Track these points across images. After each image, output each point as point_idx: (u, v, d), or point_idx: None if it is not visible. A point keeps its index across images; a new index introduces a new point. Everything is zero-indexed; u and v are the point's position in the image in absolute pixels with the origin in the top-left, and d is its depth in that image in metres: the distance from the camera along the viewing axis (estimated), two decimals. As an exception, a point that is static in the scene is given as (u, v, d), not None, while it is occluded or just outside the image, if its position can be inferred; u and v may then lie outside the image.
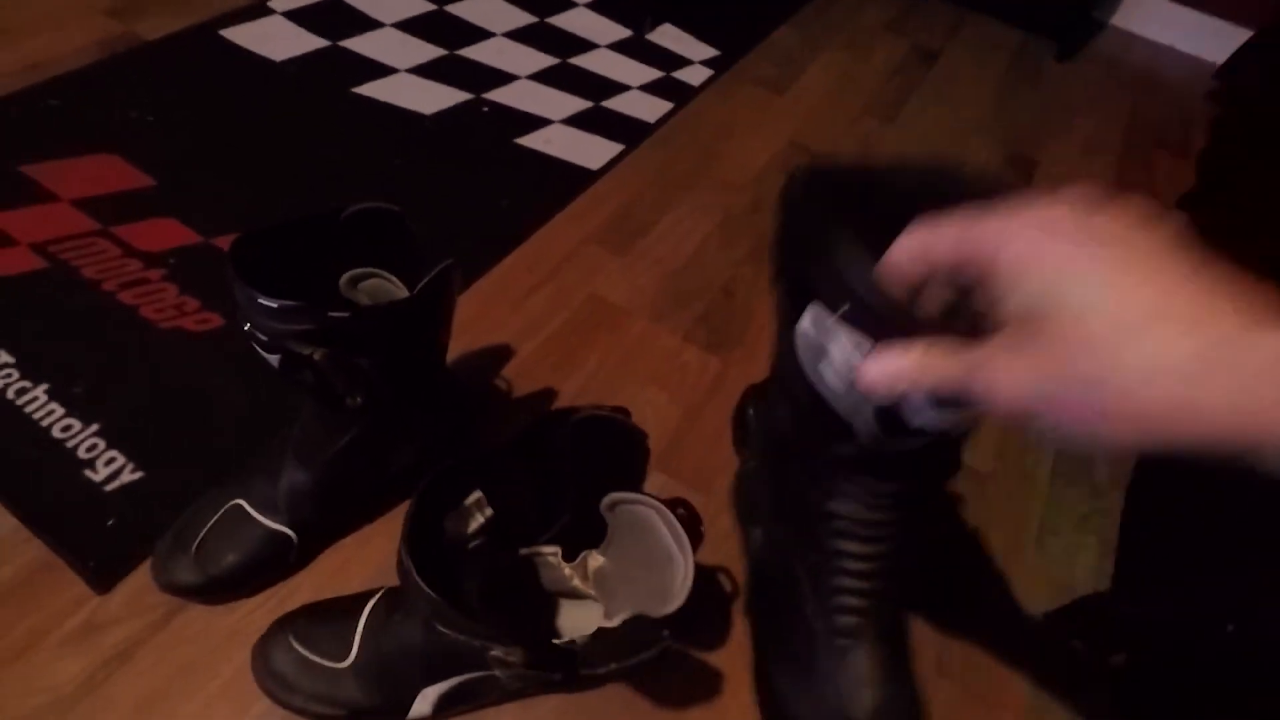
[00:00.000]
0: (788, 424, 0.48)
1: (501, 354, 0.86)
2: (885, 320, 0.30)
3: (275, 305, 0.48)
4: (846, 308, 0.32)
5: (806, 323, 0.35)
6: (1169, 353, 0.22)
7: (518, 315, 0.90)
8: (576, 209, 1.06)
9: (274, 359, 0.51)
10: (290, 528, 0.63)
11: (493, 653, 0.50)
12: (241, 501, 0.63)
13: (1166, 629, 0.63)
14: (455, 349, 0.84)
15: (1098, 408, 0.23)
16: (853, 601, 0.47)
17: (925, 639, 0.68)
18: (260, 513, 0.63)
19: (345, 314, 0.49)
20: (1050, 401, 0.25)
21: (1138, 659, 0.69)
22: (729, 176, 1.16)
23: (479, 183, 1.06)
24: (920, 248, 0.29)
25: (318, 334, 0.49)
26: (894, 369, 0.29)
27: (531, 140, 1.14)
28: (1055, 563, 0.77)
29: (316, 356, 0.50)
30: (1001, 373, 0.26)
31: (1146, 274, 0.23)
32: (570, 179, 1.10)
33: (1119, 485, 0.85)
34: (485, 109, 1.18)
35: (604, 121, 1.21)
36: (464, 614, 0.45)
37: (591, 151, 1.14)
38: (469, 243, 0.97)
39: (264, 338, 0.50)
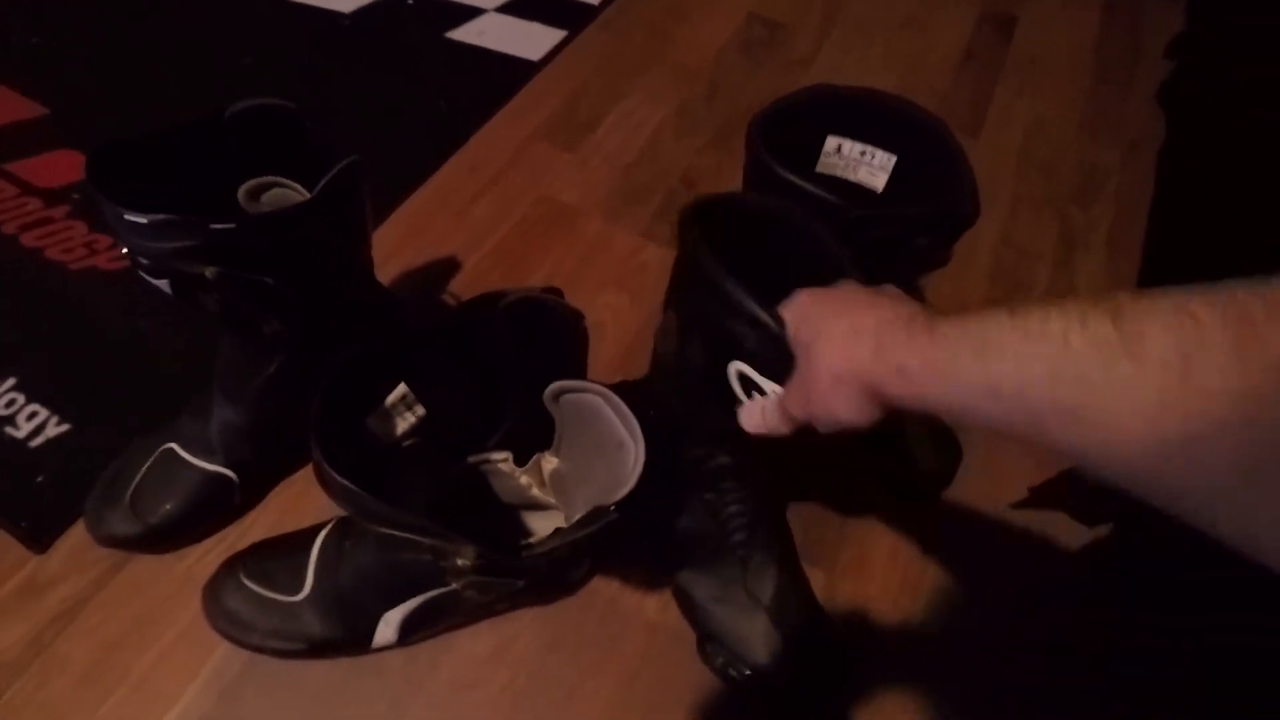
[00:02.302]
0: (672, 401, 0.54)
1: (447, 267, 0.80)
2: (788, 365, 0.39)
3: (145, 220, 0.42)
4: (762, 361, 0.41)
5: (735, 370, 0.43)
6: (856, 353, 0.33)
7: (462, 224, 0.84)
8: (518, 105, 0.97)
9: (164, 284, 0.46)
10: (228, 468, 0.59)
11: (444, 562, 0.47)
12: (173, 445, 0.59)
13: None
14: (396, 266, 0.79)
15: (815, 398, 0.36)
16: (742, 520, 0.57)
17: (909, 524, 0.66)
18: (194, 455, 0.59)
19: (229, 224, 0.43)
20: (805, 407, 0.37)
21: (1126, 530, 0.67)
22: (683, 59, 1.07)
23: (409, 84, 0.97)
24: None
25: (202, 250, 0.43)
26: (754, 425, 0.42)
27: (464, 33, 1.04)
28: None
29: (208, 275, 0.44)
30: (791, 401, 0.39)
31: (849, 314, 0.35)
32: (509, 72, 1.00)
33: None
34: (410, 1, 1.07)
35: (542, 6, 1.10)
36: (391, 504, 0.41)
37: (531, 41, 1.04)
38: (403, 150, 0.89)
39: (145, 261, 0.45)
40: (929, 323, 0.31)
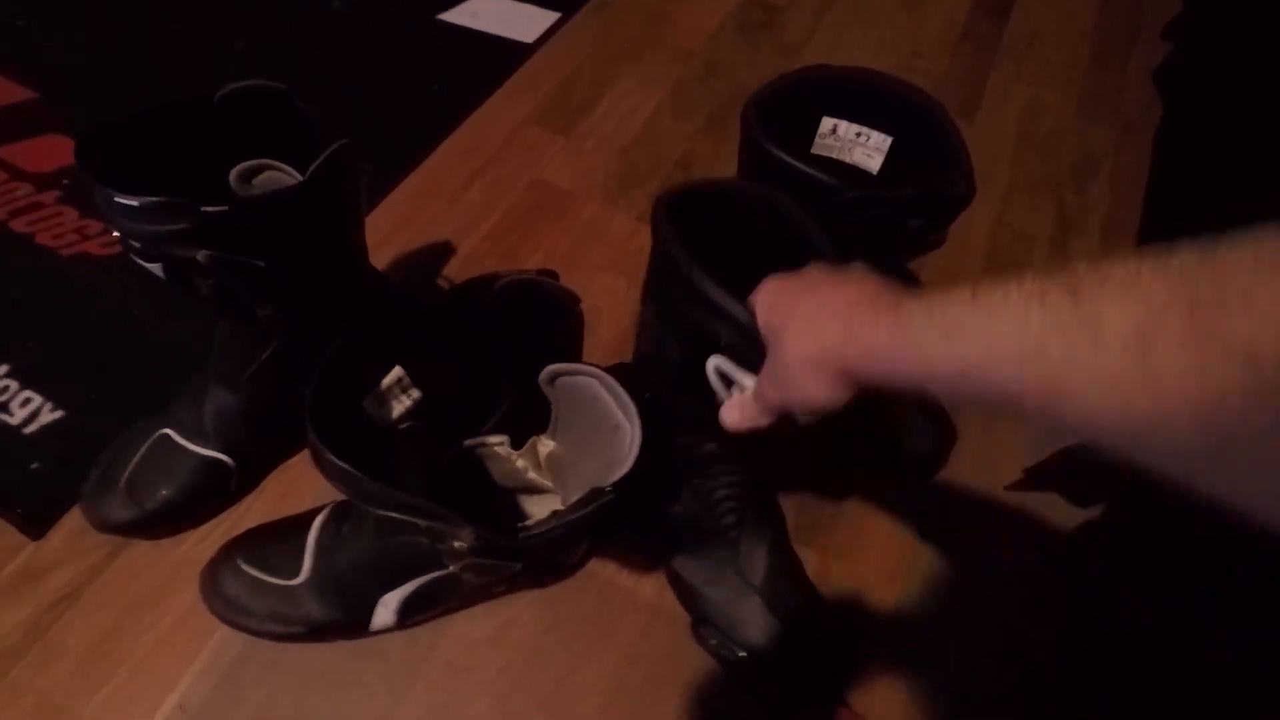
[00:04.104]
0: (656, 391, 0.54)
1: (441, 252, 0.79)
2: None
3: (136, 203, 0.41)
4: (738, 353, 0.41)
5: (713, 364, 0.43)
6: (825, 335, 0.34)
7: (456, 209, 0.83)
8: (512, 88, 0.96)
9: (156, 268, 0.46)
10: (224, 453, 0.59)
11: (442, 545, 0.47)
12: (169, 431, 0.59)
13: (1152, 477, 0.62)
14: (390, 251, 0.78)
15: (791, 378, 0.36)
16: (732, 504, 0.57)
17: (909, 507, 0.67)
18: (189, 440, 0.58)
19: (221, 208, 0.43)
20: (779, 394, 0.37)
21: (1121, 509, 0.68)
22: (679, 40, 1.06)
23: (401, 67, 0.96)
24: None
25: (195, 233, 0.43)
26: (734, 421, 0.42)
27: (456, 15, 1.03)
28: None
29: (201, 259, 0.44)
30: (765, 391, 0.39)
31: (815, 296, 0.35)
32: (503, 55, 0.99)
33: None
34: (402, -17, 1.06)
35: (536, -12, 1.09)
36: (387, 486, 0.41)
37: (524, 22, 1.03)
38: (395, 134, 0.88)
39: (137, 244, 0.44)
40: (894, 301, 0.32)
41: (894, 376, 0.31)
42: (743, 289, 0.40)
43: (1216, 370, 0.20)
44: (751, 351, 0.39)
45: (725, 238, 0.45)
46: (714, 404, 0.44)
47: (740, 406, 0.41)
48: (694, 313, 0.42)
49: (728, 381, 0.42)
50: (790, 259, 0.41)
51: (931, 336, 0.29)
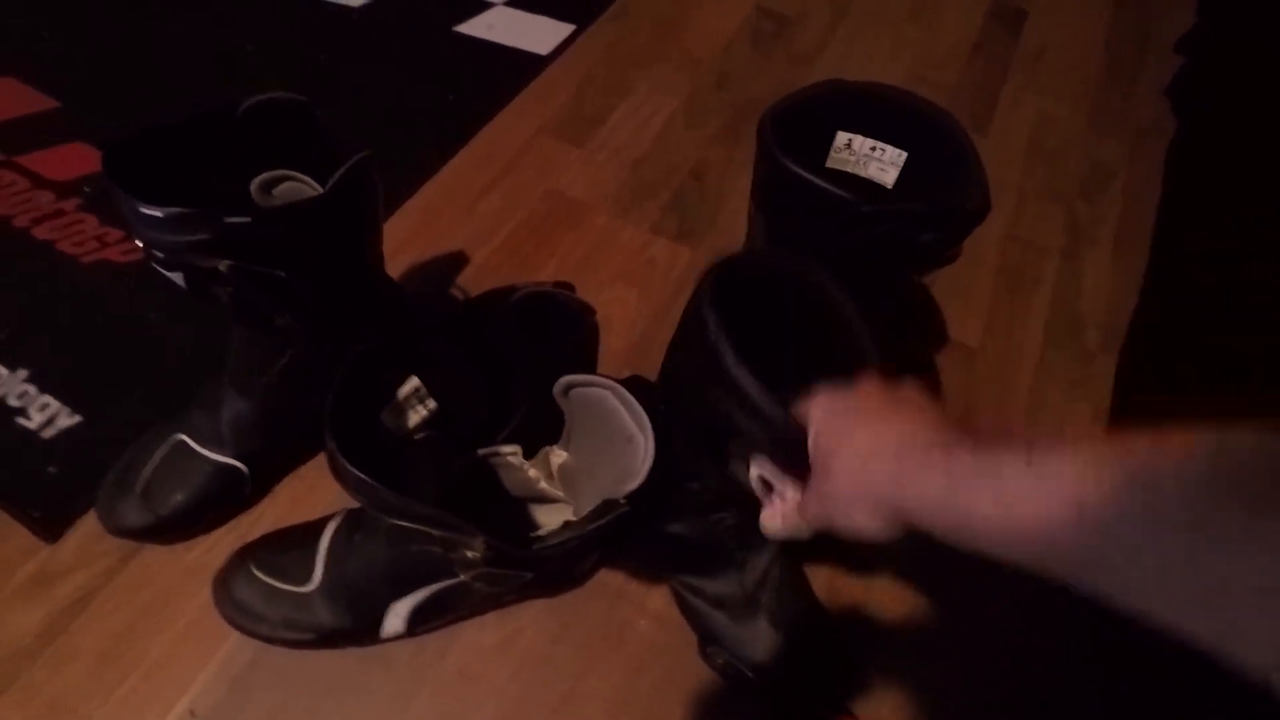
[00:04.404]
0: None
1: (455, 262, 0.80)
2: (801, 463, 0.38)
3: (161, 214, 0.42)
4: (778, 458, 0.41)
5: (755, 472, 0.42)
6: (875, 476, 0.33)
7: (470, 219, 0.84)
8: (527, 99, 0.97)
9: (177, 277, 0.46)
10: (239, 460, 0.59)
11: (453, 554, 0.47)
12: (184, 437, 0.59)
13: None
14: (404, 260, 0.79)
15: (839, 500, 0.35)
16: (737, 529, 0.56)
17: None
18: (204, 447, 0.59)
19: (244, 218, 0.43)
20: (825, 517, 0.37)
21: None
22: (691, 50, 1.07)
23: (417, 78, 0.97)
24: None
25: (217, 243, 0.44)
26: (775, 531, 0.42)
27: (472, 26, 1.04)
28: (1046, 434, 0.74)
29: (222, 269, 0.45)
30: (810, 508, 0.38)
31: (868, 427, 0.35)
32: (518, 66, 1.00)
33: (1112, 349, 0.81)
34: (418, -5, 1.07)
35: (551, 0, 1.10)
36: (404, 496, 0.41)
37: (539, 34, 1.04)
38: (410, 144, 0.89)
39: (160, 254, 0.45)
40: (945, 447, 0.31)
41: (944, 530, 0.30)
42: (771, 368, 0.39)
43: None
44: (793, 460, 0.38)
45: (760, 309, 0.44)
46: (728, 469, 0.43)
47: (783, 515, 0.41)
48: (729, 406, 0.40)
49: (767, 484, 0.42)
50: (827, 347, 0.41)
51: (983, 498, 0.28)
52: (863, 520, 0.34)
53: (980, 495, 0.28)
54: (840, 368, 0.40)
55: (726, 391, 0.40)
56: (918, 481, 0.31)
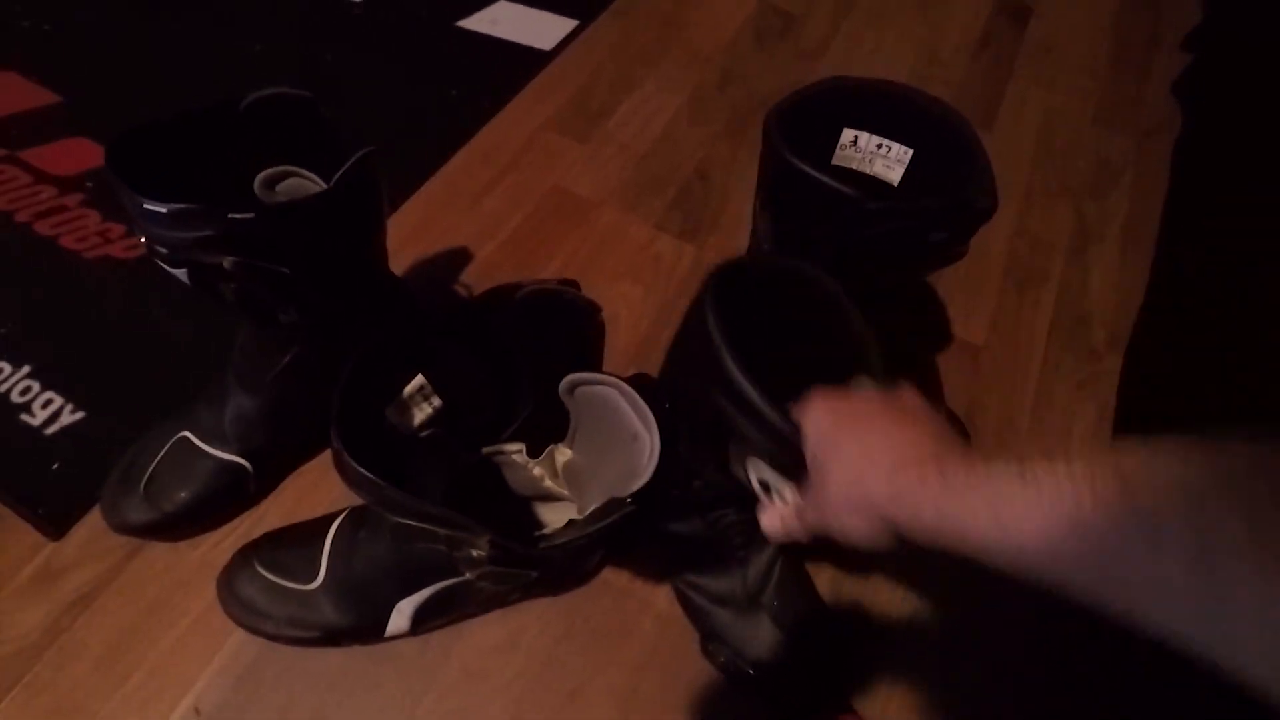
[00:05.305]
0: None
1: (459, 258, 0.80)
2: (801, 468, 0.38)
3: (165, 210, 0.42)
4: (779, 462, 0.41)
5: (755, 474, 0.42)
6: (870, 486, 0.33)
7: (474, 215, 0.84)
8: (530, 95, 0.97)
9: (181, 273, 0.46)
10: (242, 457, 0.59)
11: (458, 553, 0.47)
12: (188, 434, 0.59)
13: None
14: (408, 257, 0.79)
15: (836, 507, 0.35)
16: (741, 528, 0.56)
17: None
18: (208, 444, 0.59)
19: (248, 215, 0.43)
20: (821, 523, 0.37)
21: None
22: (696, 46, 1.06)
23: (420, 73, 0.97)
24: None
25: (221, 239, 0.43)
26: (774, 531, 0.42)
27: (475, 21, 1.04)
28: (1051, 433, 0.74)
29: (226, 265, 0.44)
30: (807, 514, 0.39)
31: (864, 436, 0.35)
32: (522, 62, 1.00)
33: (1118, 348, 0.81)
34: (421, -10, 1.07)
35: (554, -5, 1.09)
36: (409, 494, 0.41)
37: (543, 29, 1.04)
38: (413, 140, 0.89)
39: (164, 250, 0.45)
40: (939, 459, 0.31)
41: (938, 541, 0.31)
42: (773, 371, 0.39)
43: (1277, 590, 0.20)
44: (792, 464, 0.38)
45: (762, 312, 0.44)
46: (729, 468, 0.43)
47: (782, 519, 0.41)
48: (730, 410, 0.40)
49: (766, 486, 0.42)
50: (829, 352, 0.41)
51: (980, 515, 0.28)
52: (857, 530, 0.35)
53: (976, 511, 0.28)
54: (842, 373, 0.40)
55: (727, 395, 0.40)
56: (911, 498, 0.31)
